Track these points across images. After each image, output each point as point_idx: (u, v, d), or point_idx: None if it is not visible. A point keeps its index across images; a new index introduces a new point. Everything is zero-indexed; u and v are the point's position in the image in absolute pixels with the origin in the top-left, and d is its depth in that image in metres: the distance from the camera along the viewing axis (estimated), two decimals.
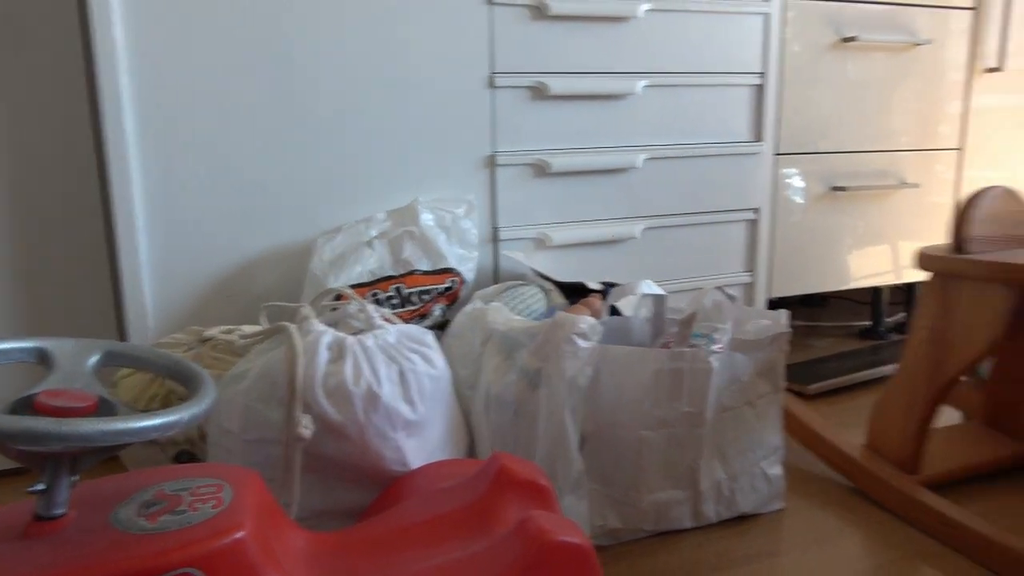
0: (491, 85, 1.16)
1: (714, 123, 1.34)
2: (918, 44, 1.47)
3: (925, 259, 1.02)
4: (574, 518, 0.84)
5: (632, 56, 1.25)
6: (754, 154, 1.37)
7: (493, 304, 0.94)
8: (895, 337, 1.69)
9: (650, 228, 1.32)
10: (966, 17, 1.51)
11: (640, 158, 1.28)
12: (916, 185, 1.54)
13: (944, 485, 1.02)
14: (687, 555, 0.89)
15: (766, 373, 0.95)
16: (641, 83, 1.26)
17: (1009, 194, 1.02)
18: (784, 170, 1.43)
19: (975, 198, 1.00)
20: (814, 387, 1.39)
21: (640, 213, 1.31)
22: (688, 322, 0.87)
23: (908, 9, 1.45)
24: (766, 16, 1.33)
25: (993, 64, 1.55)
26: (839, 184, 1.46)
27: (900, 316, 1.78)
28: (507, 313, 0.92)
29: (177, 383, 0.59)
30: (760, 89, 1.36)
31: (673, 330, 0.98)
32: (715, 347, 0.90)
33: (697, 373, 0.88)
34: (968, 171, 1.60)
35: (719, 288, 0.98)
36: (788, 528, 0.95)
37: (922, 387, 1.01)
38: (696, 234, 1.36)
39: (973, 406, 1.21)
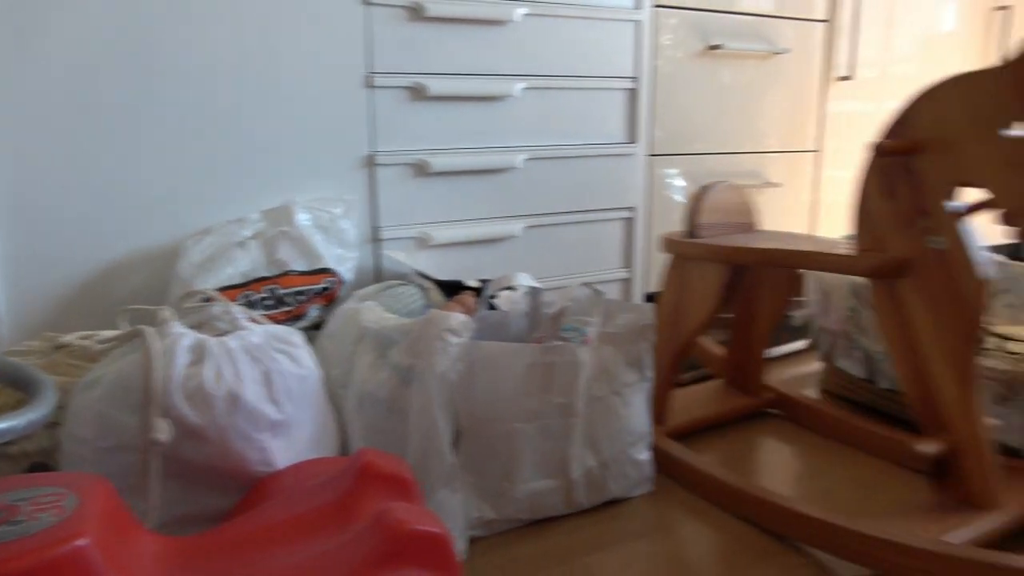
0: (368, 85, 1.17)
1: (590, 125, 1.39)
2: (778, 53, 1.57)
3: (666, 243, 1.18)
4: (448, 511, 0.86)
5: (510, 59, 1.28)
6: (629, 155, 1.43)
7: (367, 303, 0.95)
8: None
9: (531, 227, 1.35)
10: (820, 29, 1.63)
11: (520, 158, 1.31)
12: (779, 184, 1.65)
13: (686, 434, 1.21)
14: (560, 541, 0.93)
15: (633, 363, 1.00)
16: (519, 85, 1.29)
17: (733, 188, 1.19)
18: (665, 170, 1.50)
19: (704, 191, 1.16)
20: None
21: (521, 212, 1.34)
22: (558, 317, 0.90)
23: (768, 20, 1.55)
24: (637, 23, 1.39)
25: (844, 73, 1.67)
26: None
27: None
28: (380, 312, 0.93)
29: (17, 390, 0.57)
30: (634, 93, 1.42)
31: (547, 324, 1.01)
32: (584, 340, 0.94)
33: (567, 366, 0.92)
34: (825, 171, 1.73)
35: (587, 284, 1.02)
36: (656, 508, 1.00)
37: (666, 351, 1.16)
38: (575, 232, 1.41)
39: (719, 368, 1.39)
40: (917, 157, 0.85)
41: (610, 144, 1.41)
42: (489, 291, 1.01)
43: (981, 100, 0.78)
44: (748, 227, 1.23)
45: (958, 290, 0.83)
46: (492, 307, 1.07)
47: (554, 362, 0.91)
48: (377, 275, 1.21)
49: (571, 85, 1.35)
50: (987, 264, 0.82)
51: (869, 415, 1.27)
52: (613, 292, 1.47)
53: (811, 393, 1.40)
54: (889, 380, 1.26)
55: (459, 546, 0.86)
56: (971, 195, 0.84)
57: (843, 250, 0.96)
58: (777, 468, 1.14)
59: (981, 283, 0.81)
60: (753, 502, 0.96)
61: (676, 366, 1.18)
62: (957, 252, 0.83)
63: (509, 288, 1.06)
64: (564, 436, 0.93)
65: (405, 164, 1.22)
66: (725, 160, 1.59)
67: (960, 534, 0.83)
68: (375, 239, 1.21)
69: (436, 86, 1.21)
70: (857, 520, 0.86)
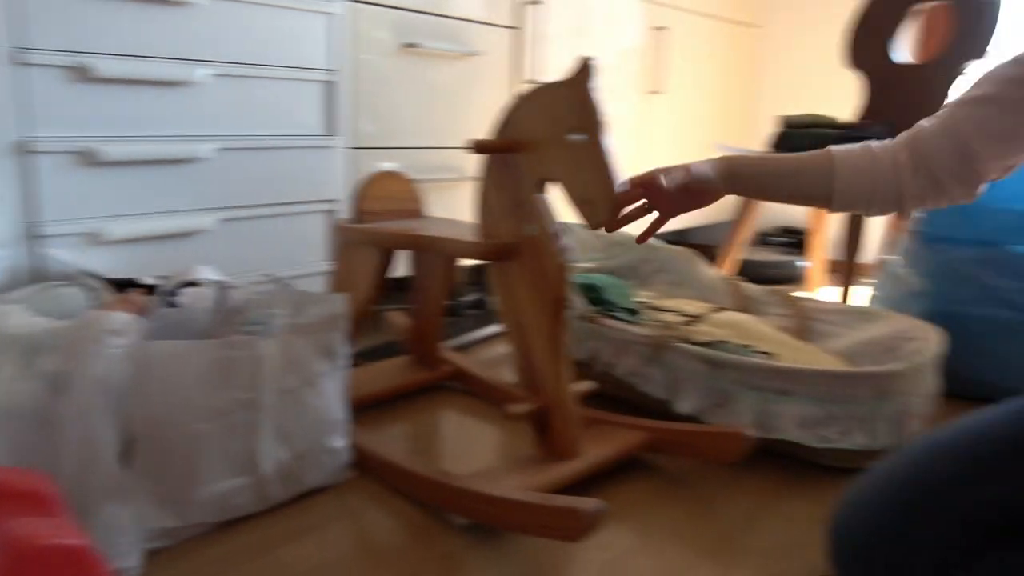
0: (17, 62, 1.04)
1: (286, 116, 1.37)
2: (469, 55, 1.67)
3: (336, 228, 1.27)
4: (117, 526, 0.80)
5: (193, 43, 1.21)
6: (328, 148, 1.43)
7: (11, 307, 0.85)
8: (471, 312, 1.91)
9: (225, 220, 1.30)
10: (508, 34, 1.77)
11: (209, 148, 1.25)
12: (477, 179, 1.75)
13: (367, 406, 1.29)
14: (253, 537, 0.91)
15: (325, 353, 1.01)
16: (204, 71, 1.23)
17: (397, 177, 1.30)
18: (382, 163, 1.52)
19: (369, 180, 1.25)
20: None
21: (213, 204, 1.28)
22: (239, 311, 0.88)
23: (460, 23, 1.65)
24: (331, 16, 1.39)
25: (531, 76, 1.83)
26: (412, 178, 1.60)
27: (475, 295, 2.02)
28: (27, 315, 0.84)
29: None
30: (331, 85, 1.42)
31: (234, 319, 0.99)
32: (269, 333, 0.93)
33: (250, 360, 0.90)
34: None
35: (270, 275, 1.01)
36: (354, 492, 1.03)
37: None
38: (274, 225, 1.38)
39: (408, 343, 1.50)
40: (516, 155, 0.97)
41: (308, 136, 1.40)
42: (167, 287, 0.96)
43: (555, 109, 0.90)
44: (414, 214, 1.31)
45: (545, 272, 0.95)
46: (174, 305, 1.02)
47: (235, 357, 0.89)
48: (36, 277, 1.08)
49: (263, 74, 1.32)
50: (567, 250, 0.95)
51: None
52: (318, 286, 1.47)
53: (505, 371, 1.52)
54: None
55: (132, 560, 0.81)
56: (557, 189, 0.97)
57: (470, 236, 1.06)
58: (435, 436, 1.24)
59: (562, 266, 0.94)
60: (390, 469, 1.05)
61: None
62: (544, 238, 0.95)
63: (193, 284, 1.01)
64: (251, 432, 0.92)
65: (70, 152, 1.10)
66: (436, 154, 1.66)
67: (542, 480, 0.96)
68: (33, 236, 1.08)
69: (106, 67, 1.11)
70: (463, 477, 0.97)
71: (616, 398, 1.33)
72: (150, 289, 1.01)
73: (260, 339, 0.91)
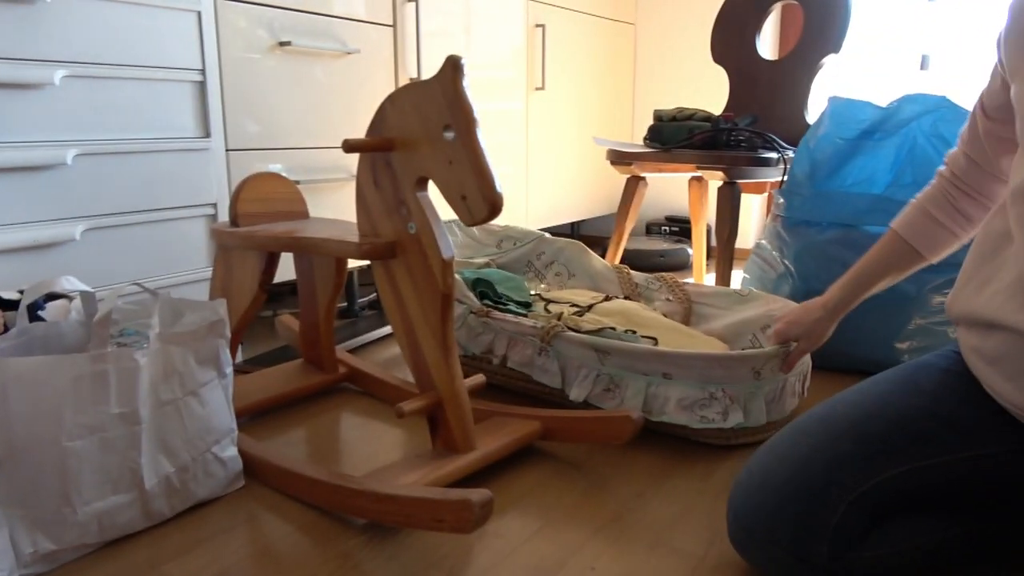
0: None
1: (155, 118, 1.31)
2: (349, 53, 1.66)
3: (212, 233, 1.25)
4: None
5: (47, 43, 1.14)
6: (203, 150, 1.38)
7: None
8: (368, 313, 1.90)
9: (92, 229, 1.23)
10: (387, 32, 1.76)
11: (69, 154, 1.18)
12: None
13: (262, 413, 1.31)
14: (139, 555, 0.88)
15: (207, 361, 0.98)
16: (60, 72, 1.16)
17: (276, 178, 1.28)
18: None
19: (245, 182, 1.23)
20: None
21: (78, 213, 1.21)
22: (103, 322, 0.84)
23: (335, 20, 1.63)
24: (198, 14, 1.35)
25: (414, 74, 1.83)
26: (295, 179, 1.57)
27: (372, 295, 2.01)
28: None
29: None
30: (202, 85, 1.37)
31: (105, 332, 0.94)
32: (144, 343, 0.90)
33: (124, 373, 0.87)
34: None
35: (138, 283, 0.97)
36: (244, 502, 1.01)
37: None
38: (150, 232, 1.32)
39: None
40: (392, 153, 0.97)
41: (180, 139, 1.35)
42: (26, 299, 0.90)
43: (426, 107, 0.91)
44: (296, 215, 1.30)
45: (429, 268, 0.95)
46: (38, 319, 0.96)
47: (108, 370, 0.85)
48: None
49: (127, 75, 1.26)
50: (450, 246, 0.95)
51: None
52: (202, 292, 1.42)
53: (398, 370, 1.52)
54: (467, 348, 1.43)
55: None
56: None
57: (352, 236, 1.05)
58: (332, 439, 1.22)
59: (445, 262, 0.94)
60: (282, 474, 1.03)
61: (232, 351, 1.19)
62: (426, 235, 0.95)
63: (57, 296, 0.96)
64: (130, 447, 0.88)
65: None
66: (322, 154, 1.63)
67: (438, 475, 0.96)
68: None
69: None
70: (356, 478, 0.96)
71: (514, 390, 1.36)
72: (8, 304, 0.94)
73: (134, 350, 0.87)
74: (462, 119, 0.85)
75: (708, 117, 1.73)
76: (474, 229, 1.74)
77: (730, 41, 1.91)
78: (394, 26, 1.77)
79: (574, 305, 1.48)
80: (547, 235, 1.71)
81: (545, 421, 1.14)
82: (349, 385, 1.44)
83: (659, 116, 1.79)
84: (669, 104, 2.71)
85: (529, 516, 0.97)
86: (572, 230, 2.87)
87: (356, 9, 1.67)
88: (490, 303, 1.44)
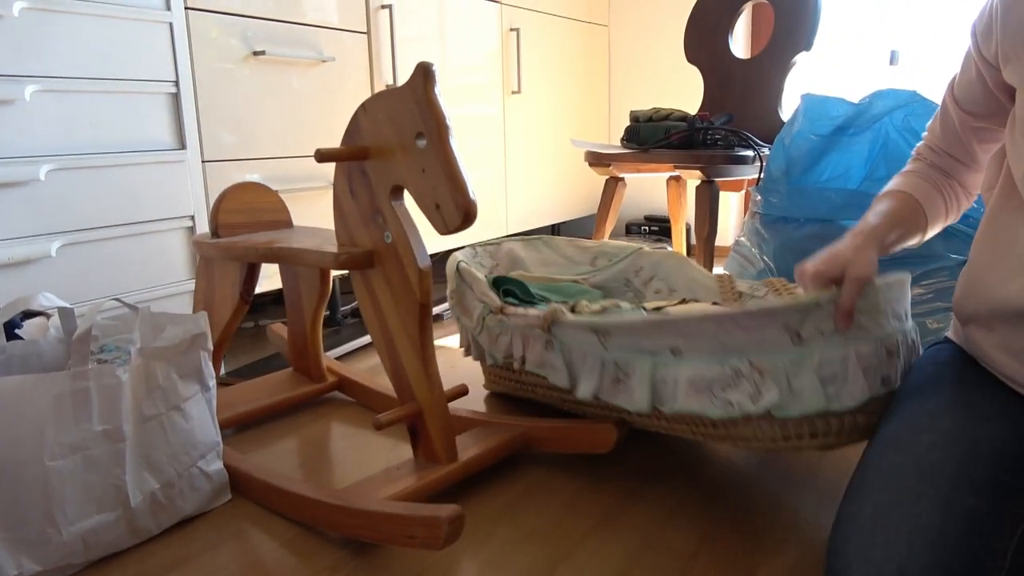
0: None
1: (130, 131, 1.30)
2: (324, 61, 1.65)
3: (194, 244, 1.25)
4: None
5: (14, 58, 1.13)
6: (179, 162, 1.37)
7: None
8: (351, 321, 1.89)
9: (69, 245, 1.22)
10: (362, 39, 1.76)
11: (42, 170, 1.17)
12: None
13: (251, 423, 1.30)
14: (129, 573, 0.87)
15: (190, 375, 0.98)
16: (30, 88, 1.15)
17: (258, 187, 1.27)
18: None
19: (226, 192, 1.23)
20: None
21: (53, 229, 1.20)
22: (83, 339, 0.83)
23: (309, 28, 1.62)
24: (170, 25, 1.34)
25: (390, 81, 1.83)
26: (275, 188, 1.56)
27: (354, 303, 2.00)
28: None
29: None
30: (176, 97, 1.36)
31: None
32: (125, 359, 0.89)
33: (106, 389, 0.86)
34: None
35: (117, 299, 0.96)
36: (233, 516, 1.00)
37: None
38: (128, 246, 1.31)
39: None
40: (367, 162, 0.96)
41: (156, 151, 1.34)
42: (3, 319, 0.89)
43: (398, 115, 0.89)
44: (279, 224, 1.29)
45: (406, 278, 0.94)
46: (16, 337, 0.95)
47: (89, 388, 0.84)
48: None
49: (99, 88, 1.24)
50: (426, 255, 0.94)
51: None
52: (183, 305, 1.40)
53: None
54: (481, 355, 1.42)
55: None
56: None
57: (330, 246, 1.04)
58: (319, 449, 1.22)
59: (422, 272, 0.93)
60: (264, 488, 1.02)
61: (216, 362, 1.21)
62: (402, 244, 0.94)
63: (35, 314, 0.95)
64: (114, 464, 0.87)
65: None
66: (302, 163, 1.62)
67: (417, 487, 0.95)
68: None
69: None
70: (333, 492, 0.95)
71: (532, 402, 1.31)
72: None
73: (115, 367, 0.86)
74: (434, 127, 0.84)
75: (684, 117, 1.75)
76: (565, 245, 1.57)
77: (703, 41, 1.93)
78: (368, 33, 1.77)
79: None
80: (645, 247, 1.50)
81: (529, 430, 1.13)
82: (339, 394, 1.43)
83: (635, 117, 1.80)
84: (645, 105, 2.73)
85: (519, 520, 0.97)
86: (552, 232, 2.88)
87: (330, 17, 1.66)
88: (514, 301, 1.28)
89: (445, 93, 2.02)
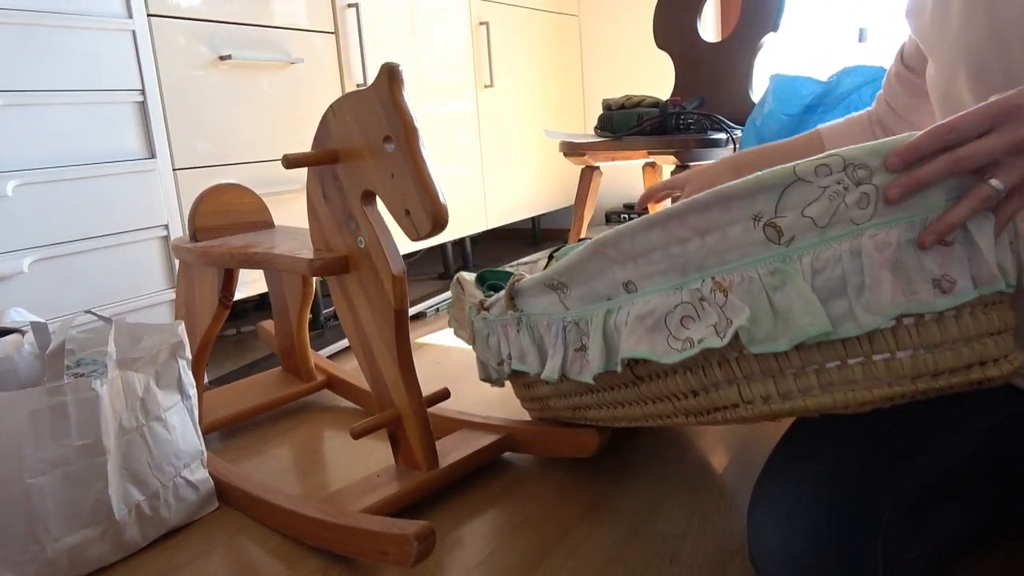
0: None
1: (97, 142, 1.28)
2: (292, 63, 1.64)
3: (172, 248, 1.24)
4: None
5: None
6: (150, 171, 1.36)
7: None
8: (334, 323, 1.88)
9: (41, 260, 1.21)
10: (331, 39, 1.74)
11: (9, 185, 1.15)
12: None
13: (236, 426, 1.30)
14: None
15: (171, 384, 0.97)
16: None
17: (237, 188, 1.26)
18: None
19: (204, 194, 1.21)
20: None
21: (24, 245, 1.19)
22: (57, 353, 0.83)
23: (276, 31, 1.61)
24: (133, 33, 1.32)
25: (360, 81, 1.82)
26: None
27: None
28: None
29: None
30: (143, 105, 1.35)
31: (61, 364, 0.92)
32: (102, 372, 0.88)
33: (84, 403, 0.85)
34: None
35: (91, 311, 0.96)
36: (221, 523, 0.99)
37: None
38: (101, 258, 1.30)
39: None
40: (338, 166, 0.94)
41: (124, 161, 1.32)
42: None
43: (365, 118, 0.88)
44: (260, 226, 1.27)
45: (381, 284, 0.93)
46: None
47: (66, 402, 0.83)
48: None
49: (63, 100, 1.23)
50: (400, 260, 0.92)
51: None
52: (162, 315, 1.39)
53: None
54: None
55: None
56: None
57: (306, 250, 1.02)
58: (308, 452, 1.22)
59: (396, 277, 0.91)
60: (245, 498, 1.01)
61: (199, 370, 1.20)
62: (375, 250, 0.92)
63: (8, 331, 0.94)
64: (97, 478, 0.86)
65: None
66: (275, 167, 1.61)
67: (398, 494, 0.95)
68: None
69: None
70: (309, 503, 0.94)
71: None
72: None
73: (92, 380, 0.86)
74: (401, 131, 0.82)
75: (656, 103, 1.75)
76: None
77: (672, 26, 1.93)
78: (336, 33, 1.75)
79: None
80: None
81: (512, 433, 1.10)
82: (329, 393, 1.43)
83: (608, 105, 1.80)
84: (618, 92, 2.73)
85: (506, 515, 0.98)
86: (533, 224, 2.88)
87: (297, 18, 1.65)
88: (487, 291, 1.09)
89: (417, 91, 2.01)
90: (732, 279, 0.59)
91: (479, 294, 1.05)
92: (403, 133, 0.82)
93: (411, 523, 0.82)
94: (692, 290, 0.62)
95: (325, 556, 0.90)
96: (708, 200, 0.59)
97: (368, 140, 0.87)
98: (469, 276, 1.13)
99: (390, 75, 0.82)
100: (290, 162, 0.91)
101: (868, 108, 1.05)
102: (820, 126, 1.06)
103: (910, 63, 0.94)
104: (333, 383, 1.41)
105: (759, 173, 0.57)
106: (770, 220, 0.57)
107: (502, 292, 0.91)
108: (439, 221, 0.81)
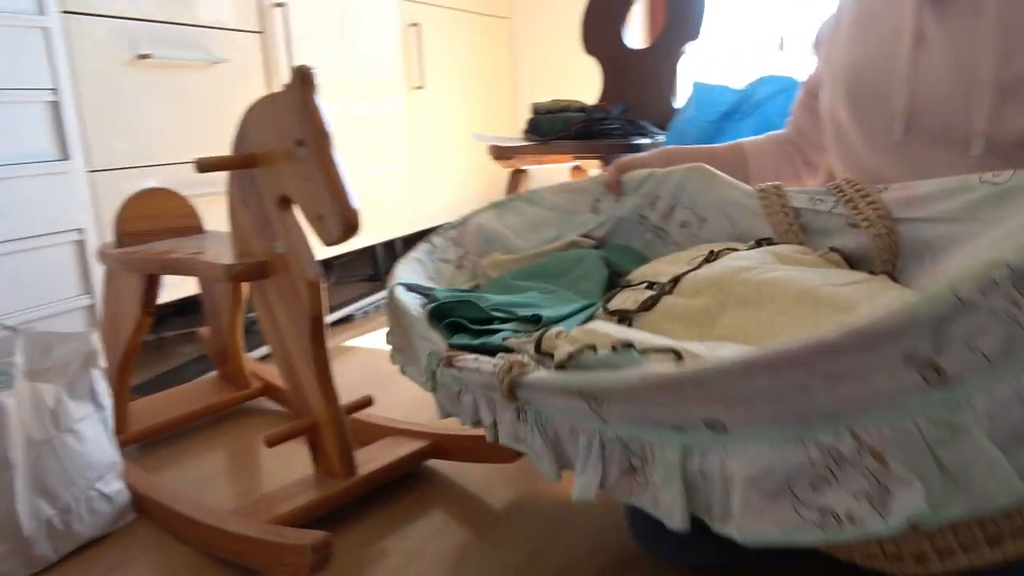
0: None
1: (7, 142, 1.24)
2: (216, 62, 1.61)
3: (98, 254, 1.21)
4: None
5: None
6: (63, 173, 1.32)
7: None
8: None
9: None
10: (256, 39, 1.72)
11: None
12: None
13: (154, 439, 1.25)
14: None
15: (83, 395, 0.95)
16: None
17: (165, 193, 1.24)
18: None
19: (130, 199, 1.20)
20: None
21: None
22: None
23: (199, 30, 1.57)
24: (46, 30, 1.28)
25: (287, 81, 1.79)
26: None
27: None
28: None
29: None
30: (56, 105, 1.30)
31: None
32: (9, 383, 0.85)
33: None
34: None
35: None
36: (138, 538, 0.97)
37: (111, 362, 1.17)
38: (12, 264, 1.25)
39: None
40: (256, 170, 0.93)
41: (36, 163, 1.28)
42: None
43: (279, 121, 0.87)
44: (189, 231, 1.25)
45: (297, 290, 0.92)
46: None
47: None
48: None
49: None
50: (315, 266, 0.91)
51: None
52: (75, 323, 1.35)
53: None
54: None
55: None
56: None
57: (228, 256, 1.01)
58: (234, 461, 1.20)
59: (312, 283, 0.90)
60: (158, 508, 0.99)
61: (125, 377, 1.18)
62: (292, 256, 0.92)
63: None
64: (3, 494, 0.84)
65: None
66: (185, 170, 1.57)
67: (310, 502, 0.94)
68: None
69: None
70: (218, 513, 0.93)
71: None
72: None
73: (1, 391, 0.83)
74: (313, 135, 0.81)
75: (583, 108, 1.78)
76: (553, 194, 1.17)
77: (600, 32, 1.97)
78: (263, 32, 1.73)
79: (650, 285, 0.86)
80: (658, 170, 1.09)
81: (438, 440, 1.10)
82: (265, 400, 1.41)
83: (536, 109, 1.82)
84: (548, 96, 2.77)
85: (432, 515, 0.99)
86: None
87: (222, 17, 1.62)
88: (467, 340, 0.82)
89: (347, 90, 2.00)
90: (882, 435, 0.44)
91: (438, 339, 0.82)
92: (315, 137, 0.82)
93: (309, 533, 0.82)
94: (822, 445, 0.46)
95: (243, 571, 0.90)
96: (842, 341, 0.43)
97: (283, 144, 0.87)
98: (413, 302, 0.91)
99: (303, 78, 0.82)
100: (203, 166, 0.90)
101: (784, 130, 1.10)
102: (743, 140, 1.11)
103: (811, 88, 1.01)
104: (269, 390, 1.39)
105: (910, 301, 0.43)
106: (928, 359, 0.43)
107: (487, 364, 0.70)
108: (350, 226, 0.81)
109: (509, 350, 0.76)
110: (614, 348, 0.63)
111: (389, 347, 0.97)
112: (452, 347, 0.79)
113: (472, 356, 0.74)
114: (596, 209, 1.13)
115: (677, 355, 0.61)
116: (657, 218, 1.08)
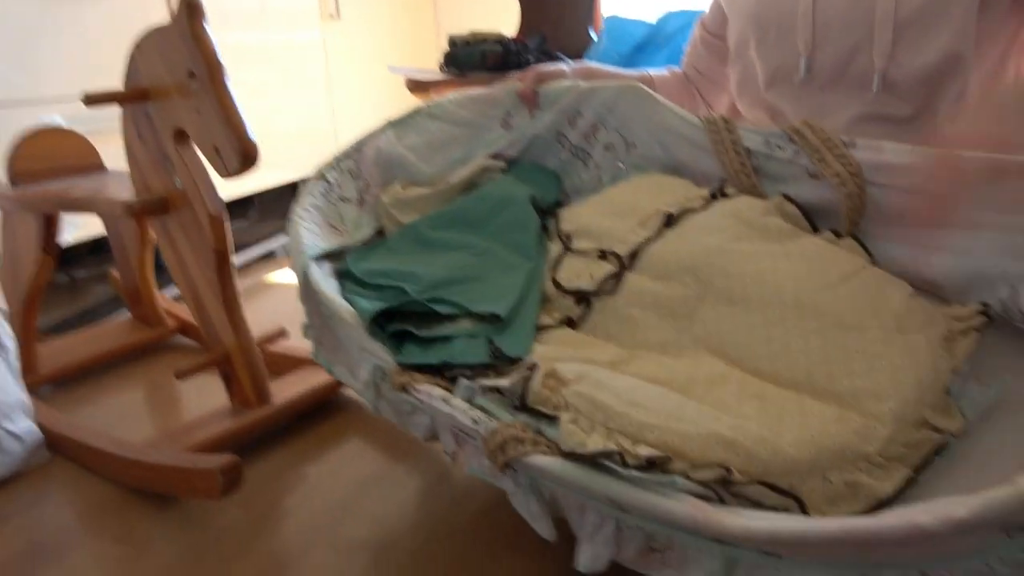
0: None
1: None
2: None
3: None
4: None
5: None
6: None
7: None
8: None
9: None
10: None
11: None
12: None
13: (67, 380, 1.24)
14: None
15: None
16: None
17: (61, 132, 1.21)
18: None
19: (24, 137, 1.17)
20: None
21: None
22: None
23: None
24: None
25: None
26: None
27: None
28: None
29: None
30: None
31: None
32: None
33: None
34: None
35: None
36: (54, 475, 0.98)
37: (15, 304, 1.18)
38: None
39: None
40: (149, 104, 0.91)
41: None
42: None
43: (170, 53, 0.85)
44: (88, 169, 1.22)
45: (200, 225, 0.92)
46: None
47: None
48: None
49: None
50: (218, 199, 0.90)
51: None
52: None
53: None
54: None
55: None
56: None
57: (127, 192, 1.00)
58: (148, 398, 1.21)
59: (215, 217, 0.90)
60: (70, 444, 1.00)
61: (30, 319, 1.17)
62: (191, 190, 0.91)
63: None
64: None
65: None
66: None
67: (225, 430, 0.96)
68: None
69: None
70: (131, 445, 0.94)
71: None
72: None
73: None
74: (204, 66, 0.80)
75: (500, 40, 1.77)
76: (459, 107, 1.04)
77: None
78: None
79: (604, 255, 0.77)
80: (583, 83, 0.97)
81: None
82: (182, 337, 1.40)
83: (453, 41, 1.81)
84: (470, 29, 2.73)
85: (350, 442, 1.02)
86: None
87: None
88: (417, 354, 0.71)
89: (259, 18, 1.93)
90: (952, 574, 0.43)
91: (384, 354, 0.71)
92: (206, 68, 0.80)
93: (219, 457, 0.85)
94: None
95: (159, 499, 0.91)
96: (940, 530, 0.39)
97: (175, 77, 0.85)
98: (334, 292, 0.78)
99: (190, 9, 0.80)
100: (91, 99, 0.87)
101: (681, 68, 1.11)
102: (650, 71, 1.10)
103: (712, 29, 1.00)
104: (184, 328, 1.39)
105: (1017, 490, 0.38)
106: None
107: (460, 408, 0.62)
108: (248, 157, 0.80)
109: (470, 367, 0.67)
110: (649, 463, 0.53)
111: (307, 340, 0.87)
112: (402, 366, 0.69)
113: (435, 388, 0.65)
114: (507, 124, 1.01)
115: (725, 481, 0.52)
116: (577, 137, 0.96)
